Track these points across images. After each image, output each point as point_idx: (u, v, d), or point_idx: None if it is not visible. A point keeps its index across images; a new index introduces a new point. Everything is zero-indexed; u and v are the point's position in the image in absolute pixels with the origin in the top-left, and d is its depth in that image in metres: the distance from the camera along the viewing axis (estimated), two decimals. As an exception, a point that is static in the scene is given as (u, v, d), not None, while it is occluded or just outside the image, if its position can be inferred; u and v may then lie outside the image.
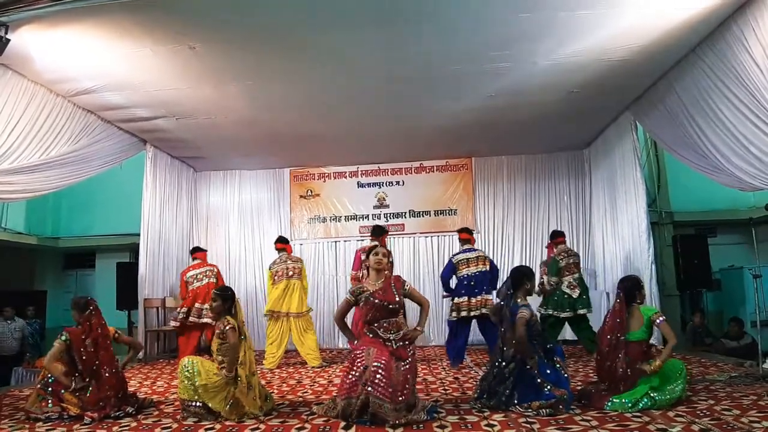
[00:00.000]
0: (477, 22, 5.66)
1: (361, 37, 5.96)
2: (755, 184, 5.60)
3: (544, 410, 4.37)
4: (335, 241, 10.80)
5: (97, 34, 5.59)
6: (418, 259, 10.55)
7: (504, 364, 4.70)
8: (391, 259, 5.02)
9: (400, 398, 4.39)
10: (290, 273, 7.90)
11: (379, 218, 10.64)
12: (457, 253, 7.49)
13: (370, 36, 5.95)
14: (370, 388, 4.31)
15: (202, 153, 9.97)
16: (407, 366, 4.59)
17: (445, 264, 7.67)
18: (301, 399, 5.46)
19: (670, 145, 7.38)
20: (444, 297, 7.92)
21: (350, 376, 4.53)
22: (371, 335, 4.74)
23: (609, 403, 4.52)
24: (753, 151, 5.42)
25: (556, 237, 7.99)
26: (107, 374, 5.02)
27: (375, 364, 4.40)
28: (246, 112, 7.88)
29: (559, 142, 10.13)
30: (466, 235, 7.62)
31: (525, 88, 7.29)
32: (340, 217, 10.82)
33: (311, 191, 10.99)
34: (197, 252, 8.90)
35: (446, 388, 5.77)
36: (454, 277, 7.42)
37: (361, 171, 10.96)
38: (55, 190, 7.39)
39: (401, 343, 4.68)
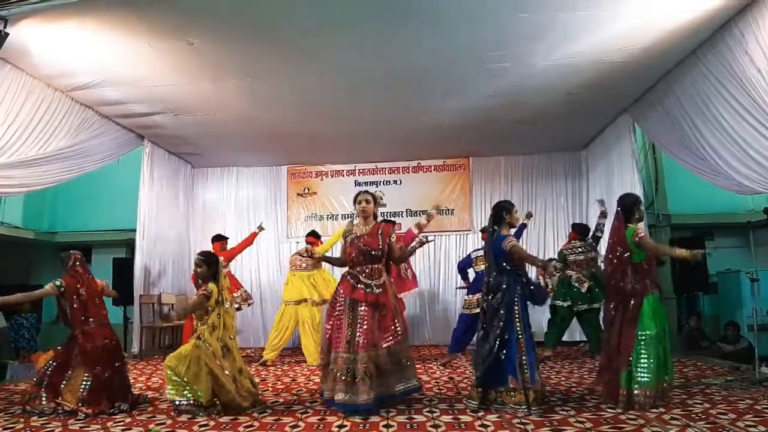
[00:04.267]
0: (475, 22, 5.66)
1: (360, 36, 5.96)
2: (754, 187, 5.61)
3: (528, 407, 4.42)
4: (333, 240, 10.76)
5: (96, 29, 5.58)
6: (415, 259, 10.50)
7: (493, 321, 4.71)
8: (379, 204, 5.19)
9: (390, 343, 4.68)
10: (304, 265, 7.97)
11: (377, 218, 10.59)
12: (477, 249, 7.59)
13: (369, 35, 5.95)
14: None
15: (199, 149, 9.95)
16: (386, 312, 4.79)
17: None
18: (295, 397, 5.44)
19: (669, 147, 7.38)
20: (459, 288, 8.28)
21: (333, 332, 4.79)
22: (352, 280, 4.85)
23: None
24: (752, 155, 5.42)
25: (571, 230, 8.16)
26: (95, 326, 5.13)
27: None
28: (244, 109, 7.87)
29: (556, 143, 10.13)
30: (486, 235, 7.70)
31: (523, 89, 7.29)
32: (337, 215, 10.79)
33: (308, 189, 10.97)
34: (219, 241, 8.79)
35: (441, 387, 5.75)
36: (472, 270, 7.59)
37: (359, 170, 10.95)
38: (52, 185, 7.37)
39: (381, 290, 4.81)
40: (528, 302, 4.78)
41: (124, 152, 8.67)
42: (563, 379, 6.13)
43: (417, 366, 6.93)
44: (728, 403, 4.67)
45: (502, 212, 5.14)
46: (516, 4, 5.37)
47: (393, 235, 5.08)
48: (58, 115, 6.96)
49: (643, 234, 4.74)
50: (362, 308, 4.73)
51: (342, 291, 4.89)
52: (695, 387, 5.41)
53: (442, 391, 5.53)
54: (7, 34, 5.35)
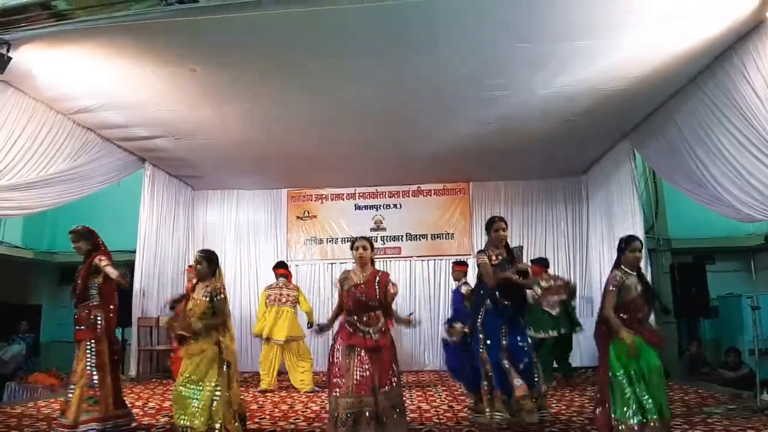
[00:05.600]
0: (476, 51, 5.72)
1: (361, 64, 6.01)
2: (754, 215, 5.60)
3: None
4: (331, 263, 10.74)
5: (99, 54, 5.62)
6: (414, 283, 10.52)
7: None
8: (374, 251, 5.10)
9: (386, 387, 4.55)
10: (283, 300, 7.86)
11: (376, 241, 10.61)
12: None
13: (370, 63, 6.00)
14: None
15: (200, 172, 9.97)
16: (385, 357, 4.68)
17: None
18: (293, 426, 5.39)
19: (669, 174, 7.40)
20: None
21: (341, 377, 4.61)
22: (350, 328, 4.74)
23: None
24: (753, 183, 5.41)
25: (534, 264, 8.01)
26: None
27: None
28: (245, 133, 7.90)
29: (556, 169, 10.15)
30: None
31: (523, 116, 7.32)
32: (337, 239, 10.78)
33: (308, 212, 10.97)
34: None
35: (440, 417, 5.70)
36: None
37: (359, 193, 10.95)
38: (52, 207, 7.37)
39: (379, 335, 4.73)
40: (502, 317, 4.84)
41: (125, 175, 8.69)
42: (564, 407, 6.08)
43: (417, 392, 6.90)
44: (730, 434, 4.63)
45: (487, 229, 5.18)
46: (516, 34, 5.41)
47: (389, 285, 4.87)
48: (59, 137, 6.97)
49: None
50: (361, 353, 4.63)
51: (340, 338, 4.78)
52: (697, 416, 5.36)
53: (442, 421, 5.48)
54: (9, 58, 5.38)
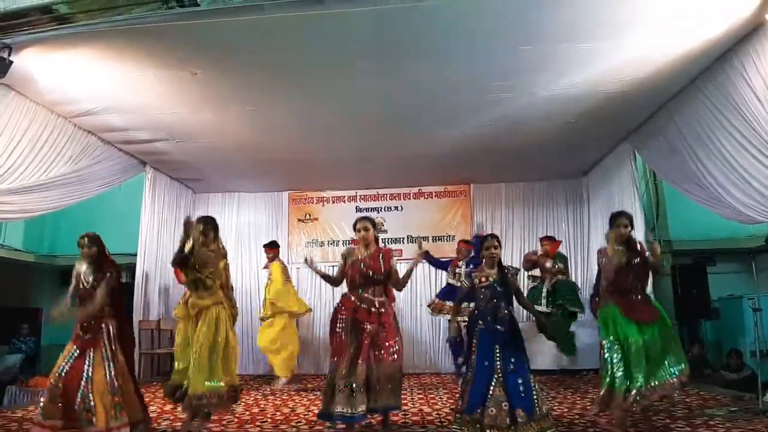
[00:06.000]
0: (476, 53, 5.73)
1: (361, 67, 6.01)
2: (755, 217, 5.59)
3: None
4: (333, 266, 10.62)
5: (100, 58, 5.63)
6: (416, 285, 10.48)
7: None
8: (378, 230, 5.25)
9: (384, 361, 4.73)
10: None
11: (378, 243, 10.59)
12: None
13: (371, 66, 5.99)
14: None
15: (201, 175, 9.98)
16: (387, 333, 4.85)
17: None
18: (294, 429, 5.40)
19: (670, 176, 7.40)
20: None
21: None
22: (356, 301, 4.90)
23: None
24: (753, 184, 5.41)
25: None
26: None
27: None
28: (246, 136, 7.90)
29: (557, 170, 10.15)
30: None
31: (524, 118, 7.32)
32: (338, 241, 10.76)
33: (309, 215, 10.98)
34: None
35: (443, 420, 5.68)
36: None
37: (360, 196, 10.94)
38: (53, 210, 7.38)
39: (383, 310, 4.89)
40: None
41: (126, 178, 8.70)
42: (566, 410, 6.07)
43: (418, 394, 6.89)
44: (732, 436, 4.63)
45: (479, 247, 5.24)
46: (517, 36, 5.42)
47: (394, 259, 5.12)
48: (60, 140, 6.97)
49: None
50: (365, 327, 4.77)
51: (344, 310, 4.92)
52: (699, 418, 5.35)
53: (444, 424, 5.47)
54: (11, 62, 5.39)
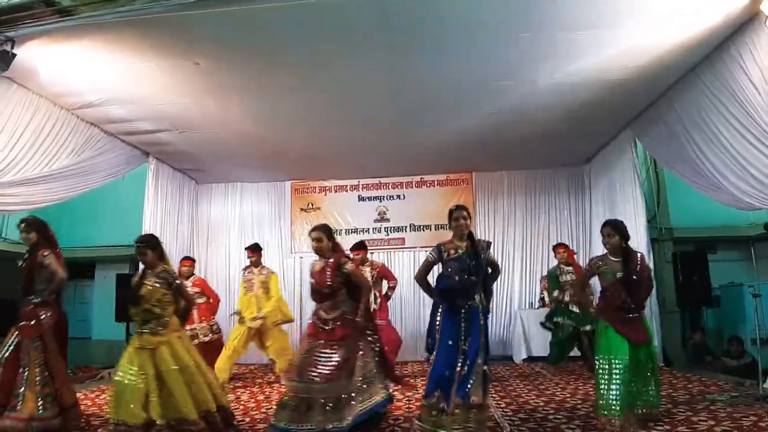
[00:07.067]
0: (478, 42, 5.73)
1: (364, 56, 6.04)
2: (754, 203, 5.63)
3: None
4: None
5: (103, 49, 5.65)
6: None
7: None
8: (332, 242, 5.04)
9: (329, 380, 4.46)
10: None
11: (380, 232, 10.69)
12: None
13: (372, 56, 6.03)
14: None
15: (204, 165, 10.01)
16: (336, 348, 4.61)
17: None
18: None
19: (670, 163, 7.43)
20: None
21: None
22: (316, 319, 4.80)
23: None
24: (751, 171, 5.46)
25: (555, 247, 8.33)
26: None
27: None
28: (248, 126, 7.92)
29: (559, 158, 10.17)
30: None
31: (525, 106, 7.34)
32: (341, 230, 10.80)
33: (312, 204, 11.01)
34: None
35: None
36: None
37: (362, 185, 10.98)
38: (57, 202, 7.39)
39: (337, 324, 4.70)
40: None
41: (129, 169, 8.70)
42: (568, 395, 6.13)
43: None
44: (732, 420, 4.69)
45: (448, 219, 4.81)
46: (517, 24, 5.43)
47: (346, 265, 4.83)
48: (63, 133, 7.00)
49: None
50: (320, 342, 4.68)
51: (309, 331, 4.88)
52: (700, 403, 5.41)
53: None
54: (14, 55, 5.40)
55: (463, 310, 4.47)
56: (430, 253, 4.77)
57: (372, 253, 10.46)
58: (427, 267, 4.82)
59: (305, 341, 4.82)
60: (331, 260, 4.84)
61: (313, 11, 5.16)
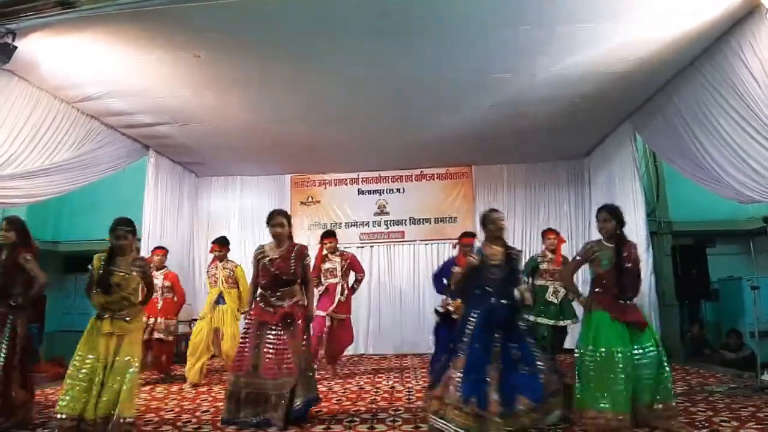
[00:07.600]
0: (477, 35, 5.73)
1: (363, 49, 6.04)
2: (753, 196, 5.66)
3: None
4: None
5: (103, 42, 5.65)
6: (418, 266, 10.57)
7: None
8: (290, 229, 5.09)
9: (280, 375, 4.56)
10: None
11: (380, 225, 10.71)
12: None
13: (372, 48, 6.02)
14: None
15: (203, 159, 10.02)
16: (285, 339, 4.69)
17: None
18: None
19: (669, 156, 7.44)
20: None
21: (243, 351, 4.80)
22: (262, 303, 4.84)
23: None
24: (751, 164, 5.48)
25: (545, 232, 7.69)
26: None
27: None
28: (248, 119, 7.94)
29: (558, 151, 10.18)
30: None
31: (525, 99, 7.35)
32: (341, 223, 10.80)
33: (312, 198, 11.03)
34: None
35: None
36: None
37: (362, 178, 11.00)
38: (57, 195, 7.41)
39: (293, 305, 4.81)
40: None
41: (129, 162, 8.71)
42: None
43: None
44: (731, 411, 4.73)
45: (483, 223, 4.79)
46: (517, 17, 5.42)
47: (308, 258, 5.00)
48: (64, 125, 7.01)
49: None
50: (269, 334, 4.70)
51: (253, 314, 4.88)
52: (699, 395, 5.44)
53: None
54: (15, 47, 5.40)
55: (499, 313, 4.44)
56: (471, 258, 4.74)
57: (372, 246, 10.57)
58: (469, 274, 4.73)
59: (252, 331, 4.80)
60: (295, 248, 4.94)
61: (314, 4, 5.17)
